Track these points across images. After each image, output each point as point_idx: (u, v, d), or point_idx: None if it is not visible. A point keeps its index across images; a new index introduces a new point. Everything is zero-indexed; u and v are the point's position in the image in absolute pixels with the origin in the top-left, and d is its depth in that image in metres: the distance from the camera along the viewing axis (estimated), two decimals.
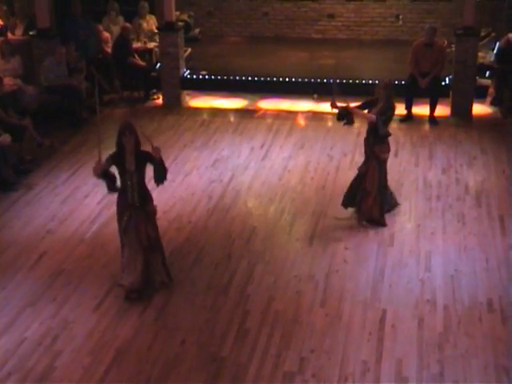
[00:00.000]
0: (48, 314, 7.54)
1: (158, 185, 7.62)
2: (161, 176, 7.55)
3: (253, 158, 11.21)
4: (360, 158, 10.11)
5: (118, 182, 7.59)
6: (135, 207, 7.55)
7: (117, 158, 7.45)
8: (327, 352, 6.83)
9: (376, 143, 8.87)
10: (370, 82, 12.25)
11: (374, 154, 8.90)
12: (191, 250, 8.66)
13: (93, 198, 10.00)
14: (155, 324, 7.26)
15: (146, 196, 7.62)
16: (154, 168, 7.51)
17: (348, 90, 11.49)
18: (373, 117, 8.69)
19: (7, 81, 12.20)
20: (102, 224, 9.26)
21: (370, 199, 8.98)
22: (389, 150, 9.03)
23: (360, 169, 9.09)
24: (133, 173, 7.42)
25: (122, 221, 7.64)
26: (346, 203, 9.24)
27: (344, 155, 11.18)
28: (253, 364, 6.70)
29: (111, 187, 7.66)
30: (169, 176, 10.41)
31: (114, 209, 9.45)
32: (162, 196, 9.97)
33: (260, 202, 9.88)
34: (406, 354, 6.79)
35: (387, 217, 9.13)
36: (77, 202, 9.95)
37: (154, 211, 7.74)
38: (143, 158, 7.41)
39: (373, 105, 8.93)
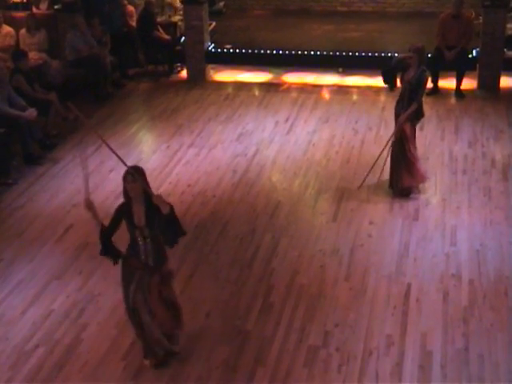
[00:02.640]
0: (74, 286, 7.61)
1: (170, 246, 6.07)
2: (173, 234, 5.91)
3: (277, 132, 11.18)
4: (385, 132, 10.06)
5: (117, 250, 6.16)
6: (148, 268, 6.06)
7: (125, 210, 6.00)
8: (351, 326, 6.84)
9: (404, 111, 8.70)
10: (396, 55, 12.10)
11: (399, 122, 8.75)
12: (216, 224, 8.67)
13: (118, 172, 9.96)
14: (180, 297, 7.27)
15: (161, 255, 6.11)
16: (161, 224, 5.87)
17: (373, 64, 11.46)
18: (413, 107, 8.57)
19: (32, 55, 12.24)
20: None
21: (397, 169, 8.89)
22: (415, 124, 8.92)
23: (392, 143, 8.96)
24: (143, 228, 5.93)
25: (130, 287, 6.08)
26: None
27: (369, 129, 11.10)
28: (277, 337, 6.72)
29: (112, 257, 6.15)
30: (193, 150, 10.60)
31: None
32: (186, 170, 10.02)
33: (284, 176, 9.86)
34: (430, 328, 6.78)
35: (413, 192, 9.07)
36: (102, 176, 9.99)
37: (170, 273, 6.28)
38: (155, 209, 5.81)
39: (403, 69, 8.76)
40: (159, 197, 5.76)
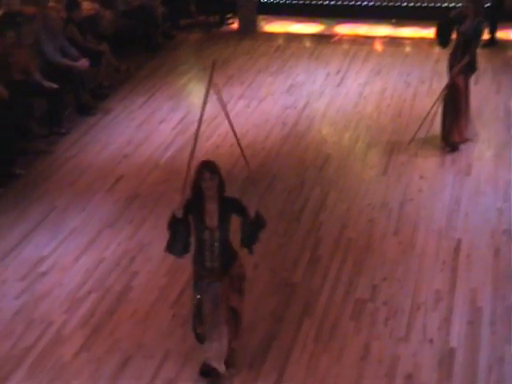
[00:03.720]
0: (125, 235, 7.73)
1: (248, 248, 5.60)
2: (255, 235, 5.51)
3: (328, 84, 11.07)
4: (438, 85, 9.88)
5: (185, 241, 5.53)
6: (215, 273, 5.47)
7: (194, 207, 5.36)
8: (399, 280, 6.83)
9: (458, 63, 8.52)
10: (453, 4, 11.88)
11: (452, 75, 8.58)
12: (264, 177, 8.67)
13: (168, 123, 10.09)
14: None
15: (230, 257, 5.53)
16: (244, 223, 5.44)
17: (427, 15, 11.21)
18: (466, 59, 8.38)
19: (85, 6, 12.24)
20: (177, 150, 9.35)
21: (449, 123, 8.76)
22: (468, 77, 8.73)
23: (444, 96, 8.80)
24: (214, 229, 5.34)
25: (196, 292, 5.55)
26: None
27: (422, 82, 10.91)
28: (324, 290, 6.75)
29: (176, 249, 5.52)
30: (243, 102, 10.58)
31: (188, 134, 9.63)
32: (236, 122, 9.92)
33: (334, 129, 9.79)
34: (480, 283, 6.73)
35: (465, 146, 8.94)
36: (152, 127, 10.05)
37: (241, 275, 5.62)
38: (229, 208, 5.36)
39: (460, 21, 8.53)
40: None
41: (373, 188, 8.34)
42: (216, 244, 5.36)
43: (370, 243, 7.38)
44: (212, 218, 5.30)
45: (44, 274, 7.20)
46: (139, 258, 7.33)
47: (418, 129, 9.01)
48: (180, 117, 10.19)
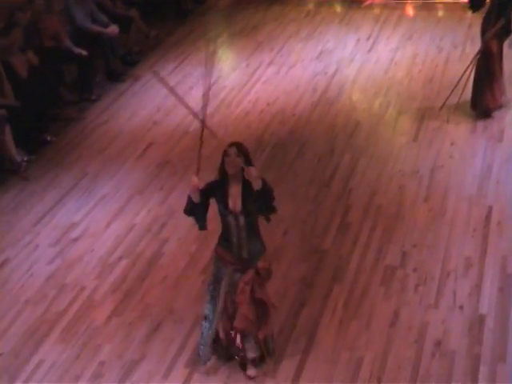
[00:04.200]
0: (155, 202, 7.78)
1: (266, 219, 5.29)
2: (266, 203, 5.16)
3: (358, 50, 10.95)
4: (471, 50, 9.74)
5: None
6: (241, 262, 5.25)
7: (218, 190, 5.13)
8: (429, 247, 6.80)
9: (491, 27, 8.37)
10: None
11: (485, 39, 8.44)
12: (294, 144, 8.66)
13: (198, 89, 10.04)
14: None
15: (258, 249, 5.27)
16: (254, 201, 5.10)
17: None
18: (501, 22, 8.21)
19: None
20: (207, 116, 9.31)
21: (481, 89, 8.63)
22: (502, 41, 8.57)
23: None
24: (238, 214, 5.10)
25: (221, 284, 5.34)
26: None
27: (454, 47, 10.75)
28: (354, 257, 6.76)
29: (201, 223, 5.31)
30: (273, 68, 10.52)
31: (218, 100, 9.62)
32: (266, 88, 9.97)
33: (365, 95, 9.71)
34: (511, 251, 6.68)
35: (497, 112, 8.81)
36: (182, 93, 9.97)
37: (267, 270, 5.34)
38: (249, 192, 5.04)
39: None
40: (251, 170, 4.94)
41: (403, 155, 8.28)
42: (242, 230, 5.11)
43: (400, 210, 7.35)
44: (235, 202, 5.07)
45: (75, 239, 7.29)
46: (169, 225, 7.38)
47: (450, 94, 8.88)
48: (211, 82, 10.15)
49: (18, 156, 8.39)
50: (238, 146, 5.06)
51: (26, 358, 5.93)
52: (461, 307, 6.07)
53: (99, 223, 7.50)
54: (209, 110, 9.33)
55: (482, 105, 8.74)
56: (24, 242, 7.31)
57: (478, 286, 6.27)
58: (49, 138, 9.07)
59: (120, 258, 6.99)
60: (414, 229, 7.06)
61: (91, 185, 8.15)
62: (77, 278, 6.78)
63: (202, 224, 5.25)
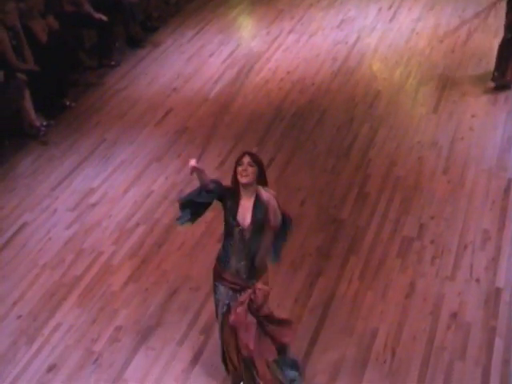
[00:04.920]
0: (173, 169, 7.79)
1: (273, 261, 4.85)
2: (279, 246, 4.78)
3: (380, 19, 10.84)
4: (495, 20, 9.62)
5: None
6: (238, 281, 4.72)
7: (229, 198, 4.67)
8: (447, 219, 6.77)
9: None
10: None
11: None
12: (313, 113, 8.61)
13: (217, 57, 10.03)
14: (275, 184, 7.36)
15: (260, 269, 4.73)
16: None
17: None
18: None
19: None
20: (226, 84, 9.30)
21: (505, 60, 8.51)
22: None
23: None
24: (245, 229, 4.59)
25: (219, 304, 4.90)
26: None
27: (476, 18, 10.62)
28: (371, 227, 6.75)
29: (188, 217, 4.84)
30: (293, 36, 10.44)
31: (238, 68, 9.58)
32: (286, 57, 9.91)
33: (385, 65, 9.62)
34: None
35: None
36: (201, 60, 10.01)
37: (264, 293, 4.71)
38: (263, 211, 4.55)
39: None
40: (271, 197, 4.52)
41: (423, 126, 8.22)
42: (246, 246, 4.61)
43: (419, 181, 7.32)
44: (245, 216, 4.59)
45: (93, 205, 7.33)
46: (187, 191, 7.35)
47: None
48: (230, 50, 10.12)
49: (37, 121, 8.41)
50: (252, 155, 4.63)
51: (43, 321, 5.99)
52: (477, 280, 6.06)
53: (117, 189, 7.53)
54: (228, 78, 9.36)
55: (502, 77, 8.64)
56: (43, 207, 7.35)
57: (495, 260, 6.25)
58: (68, 104, 9.07)
59: (137, 225, 7.02)
60: (432, 200, 7.03)
61: (109, 151, 8.17)
62: (94, 243, 6.83)
63: (188, 220, 4.78)
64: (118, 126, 8.64)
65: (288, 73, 9.45)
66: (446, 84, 8.97)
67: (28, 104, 8.29)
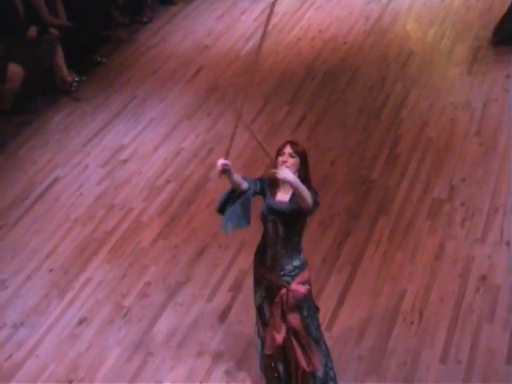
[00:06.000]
0: (203, 127, 7.78)
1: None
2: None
3: None
4: None
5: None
6: (274, 278, 4.39)
7: (268, 189, 4.37)
8: (479, 182, 6.71)
9: None
10: None
11: None
12: (345, 72, 8.53)
13: (249, 14, 9.94)
14: (307, 143, 7.34)
15: (295, 264, 4.36)
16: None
17: None
18: None
19: None
20: (257, 42, 9.21)
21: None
22: None
23: None
24: (278, 223, 4.30)
25: (256, 294, 4.59)
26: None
27: None
28: (401, 188, 6.71)
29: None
30: None
31: (270, 26, 9.44)
32: (318, 15, 9.80)
33: (419, 24, 9.48)
34: None
35: None
36: (233, 18, 9.93)
37: (298, 295, 4.36)
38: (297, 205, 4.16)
39: None
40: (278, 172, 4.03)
41: (457, 86, 8.12)
42: (280, 241, 4.31)
43: (451, 143, 7.25)
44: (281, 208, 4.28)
45: (124, 161, 7.37)
46: (217, 150, 7.38)
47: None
48: (261, 8, 10.02)
49: (69, 76, 8.42)
50: (295, 145, 4.26)
51: (74, 275, 6.08)
52: (507, 243, 6.02)
53: (147, 146, 7.55)
54: (259, 36, 9.26)
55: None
56: (74, 162, 7.41)
57: None
58: (100, 60, 9.07)
59: (167, 182, 7.05)
60: (464, 162, 6.96)
61: (140, 108, 8.18)
62: (125, 199, 6.88)
63: (244, 222, 4.35)
64: (150, 83, 8.63)
65: (320, 31, 9.35)
66: (482, 44, 8.82)
67: (60, 60, 8.30)
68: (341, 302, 5.62)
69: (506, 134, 7.29)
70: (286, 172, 4.00)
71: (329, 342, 4.76)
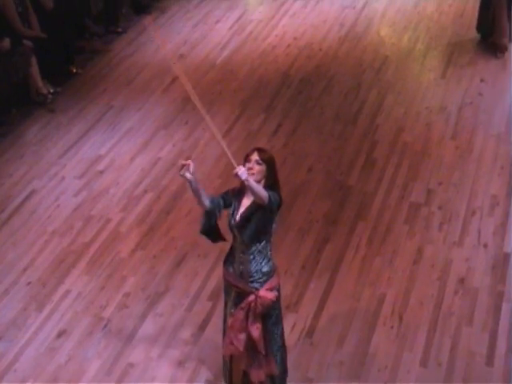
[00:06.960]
0: (180, 136, 7.77)
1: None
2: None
3: None
4: None
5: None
6: (242, 284, 4.41)
7: (234, 199, 4.41)
8: (455, 185, 6.76)
9: None
10: None
11: None
12: (321, 79, 8.56)
13: (224, 23, 9.96)
14: (283, 150, 7.36)
15: (264, 270, 4.35)
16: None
17: None
18: None
19: None
20: (233, 50, 9.25)
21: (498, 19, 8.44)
22: None
23: None
24: (236, 225, 4.35)
25: (227, 305, 4.64)
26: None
27: None
28: (379, 194, 6.74)
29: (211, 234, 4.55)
30: (300, 2, 10.36)
31: (245, 34, 9.52)
32: (293, 22, 9.82)
33: (393, 30, 9.53)
34: None
35: None
36: (208, 26, 9.94)
37: (266, 301, 4.35)
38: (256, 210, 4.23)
39: None
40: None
41: (431, 91, 8.17)
42: (241, 247, 4.33)
43: (427, 147, 7.29)
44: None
45: (101, 172, 7.34)
46: (194, 158, 7.36)
47: None
48: (237, 16, 10.04)
49: (44, 88, 8.39)
50: (262, 152, 4.27)
51: (53, 288, 6.03)
52: (485, 245, 6.06)
53: (124, 156, 7.53)
54: (235, 44, 9.31)
55: (498, 40, 8.55)
56: (50, 174, 7.37)
57: (503, 225, 6.25)
58: (75, 71, 9.04)
59: (145, 192, 7.03)
60: (440, 166, 7.01)
61: (117, 118, 8.15)
62: (102, 210, 6.85)
63: (214, 237, 4.52)
64: (125, 93, 8.61)
65: (295, 39, 9.38)
66: (455, 49, 8.90)
67: (35, 71, 8.27)
68: (321, 307, 5.63)
69: (481, 137, 7.35)
70: (241, 170, 4.01)
71: (309, 349, 4.76)
